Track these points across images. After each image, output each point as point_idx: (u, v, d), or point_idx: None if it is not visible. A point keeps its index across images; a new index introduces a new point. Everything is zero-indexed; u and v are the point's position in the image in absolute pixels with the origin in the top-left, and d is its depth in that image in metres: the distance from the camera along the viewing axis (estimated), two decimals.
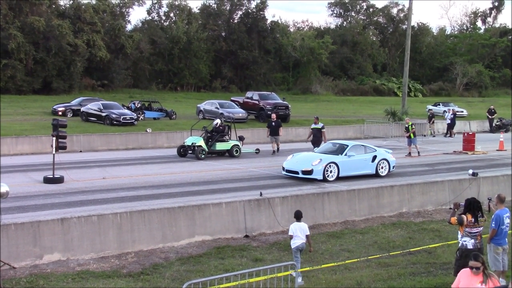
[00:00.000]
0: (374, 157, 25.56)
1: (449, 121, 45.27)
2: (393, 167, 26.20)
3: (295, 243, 12.85)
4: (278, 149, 32.53)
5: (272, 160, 29.73)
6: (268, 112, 45.34)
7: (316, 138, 29.45)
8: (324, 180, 23.82)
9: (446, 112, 47.54)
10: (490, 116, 49.17)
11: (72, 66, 66.81)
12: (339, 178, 24.19)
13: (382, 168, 25.69)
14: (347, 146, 25.46)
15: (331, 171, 24.15)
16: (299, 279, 12.25)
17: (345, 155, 24.83)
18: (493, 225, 12.21)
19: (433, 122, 45.52)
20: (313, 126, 29.88)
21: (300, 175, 24.17)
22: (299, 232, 12.84)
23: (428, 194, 20.69)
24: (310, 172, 23.98)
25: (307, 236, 12.84)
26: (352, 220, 18.49)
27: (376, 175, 25.40)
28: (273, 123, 32.58)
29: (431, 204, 20.53)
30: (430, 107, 62.42)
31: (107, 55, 70.41)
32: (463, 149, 34.84)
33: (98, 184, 22.62)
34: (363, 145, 26.47)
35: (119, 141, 35.11)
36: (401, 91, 61.89)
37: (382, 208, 19.47)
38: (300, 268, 12.90)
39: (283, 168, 25.04)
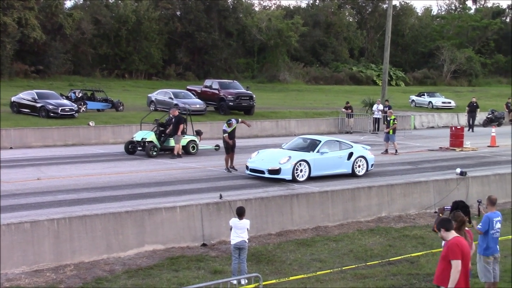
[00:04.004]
0: (350, 154, 25.73)
1: (378, 115, 43.76)
2: (372, 165, 26.43)
3: (233, 240, 13.50)
4: (178, 153, 29.86)
5: (235, 157, 29.69)
6: (230, 104, 45.44)
7: (233, 142, 26.62)
8: (294, 180, 23.91)
9: (376, 104, 44.58)
10: (467, 114, 47.13)
11: (0, 49, 65.78)
12: (310, 178, 24.31)
13: (359, 166, 25.89)
14: (320, 142, 25.58)
15: (301, 170, 24.24)
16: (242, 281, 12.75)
17: (318, 152, 24.95)
18: (479, 226, 12.37)
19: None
20: (229, 129, 26.34)
21: (267, 175, 24.22)
22: (239, 230, 13.49)
23: (411, 196, 20.92)
24: (277, 171, 24.05)
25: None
26: (325, 226, 18.60)
27: (353, 175, 25.59)
28: (172, 119, 30.35)
29: (414, 208, 20.76)
30: (413, 97, 63.19)
31: (43, 37, 69.48)
32: (450, 145, 35.29)
33: (31, 186, 22.37)
34: (337, 141, 26.63)
35: (56, 136, 34.77)
36: (381, 80, 62.48)
37: (358, 212, 19.63)
38: (237, 270, 13.45)
39: (247, 167, 25.07)
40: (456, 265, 9.58)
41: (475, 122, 47.00)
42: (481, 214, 13.36)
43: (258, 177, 24.53)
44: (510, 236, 17.35)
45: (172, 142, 30.38)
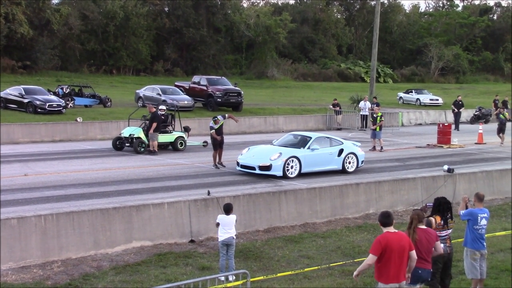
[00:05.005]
0: (341, 151, 25.80)
1: (365, 112, 43.39)
2: (362, 162, 26.50)
3: (221, 236, 13.49)
4: (153, 150, 29.58)
5: (223, 153, 29.67)
6: (218, 100, 45.38)
7: (221, 138, 26.43)
8: (285, 176, 23.97)
9: (363, 101, 44.36)
10: (456, 110, 45.98)
11: None
12: (301, 175, 24.36)
13: (349, 163, 25.95)
14: (311, 138, 25.64)
15: (292, 167, 24.29)
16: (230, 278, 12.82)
17: (308, 148, 24.98)
18: (461, 212, 12.50)
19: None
20: (216, 126, 26.22)
21: (257, 171, 24.24)
22: (226, 226, 13.48)
23: (399, 193, 20.98)
24: (268, 167, 24.07)
25: None
26: (313, 223, 18.63)
27: (343, 171, 25.67)
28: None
29: (401, 204, 20.82)
30: (400, 94, 63.32)
31: (30, 32, 69.11)
32: (438, 142, 35.42)
33: (19, 182, 22.25)
34: (328, 137, 26.70)
35: (44, 132, 34.61)
36: (369, 76, 62.56)
37: (346, 209, 19.67)
38: (225, 266, 13.45)
39: (238, 163, 25.07)
40: (370, 258, 9.96)
41: (462, 120, 47.00)
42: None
43: (248, 173, 24.54)
44: (497, 233, 17.48)
45: (160, 139, 30.31)
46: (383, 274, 10.00)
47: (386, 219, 10.17)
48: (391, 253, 9.90)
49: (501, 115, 36.95)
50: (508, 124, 37.82)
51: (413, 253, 10.20)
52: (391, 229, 10.10)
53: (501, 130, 36.23)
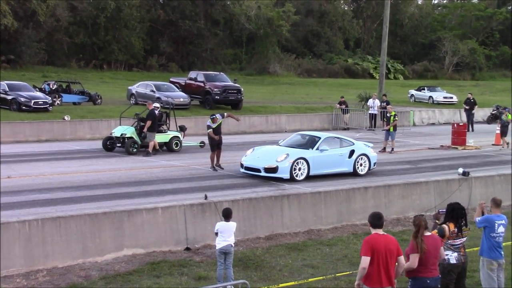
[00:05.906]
0: (352, 152, 25.81)
1: (374, 111, 43.53)
2: (374, 164, 26.50)
3: (219, 244, 13.48)
4: (147, 152, 29.72)
5: (222, 155, 29.67)
6: (216, 97, 45.36)
7: (219, 138, 26.40)
8: (292, 179, 23.99)
9: (372, 99, 44.43)
10: (466, 107, 45.94)
11: None
12: (309, 177, 24.37)
13: (361, 165, 25.97)
14: (319, 138, 25.64)
15: (300, 169, 24.30)
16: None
17: (317, 149, 24.99)
18: (477, 219, 12.49)
19: None
20: (214, 125, 26.02)
21: (263, 174, 24.28)
22: (225, 233, 13.46)
23: (410, 197, 20.95)
24: (274, 169, 24.08)
25: None
26: (318, 230, 18.60)
27: (354, 174, 25.68)
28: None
29: (413, 210, 20.75)
30: (412, 92, 63.27)
31: (14, 24, 69.17)
32: (452, 143, 35.42)
33: (1, 184, 22.17)
34: (338, 138, 26.71)
35: (29, 131, 34.65)
36: (378, 72, 62.63)
37: (353, 215, 19.64)
38: (223, 276, 13.45)
39: (242, 165, 25.07)
40: (362, 261, 10.11)
41: (478, 119, 46.87)
42: None
43: (253, 175, 24.53)
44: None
45: (156, 139, 30.27)
46: (367, 276, 10.17)
47: (377, 220, 10.39)
48: (378, 255, 10.09)
49: (503, 116, 36.79)
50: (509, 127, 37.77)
51: (401, 258, 10.38)
52: (380, 231, 10.31)
53: (502, 132, 35.85)
